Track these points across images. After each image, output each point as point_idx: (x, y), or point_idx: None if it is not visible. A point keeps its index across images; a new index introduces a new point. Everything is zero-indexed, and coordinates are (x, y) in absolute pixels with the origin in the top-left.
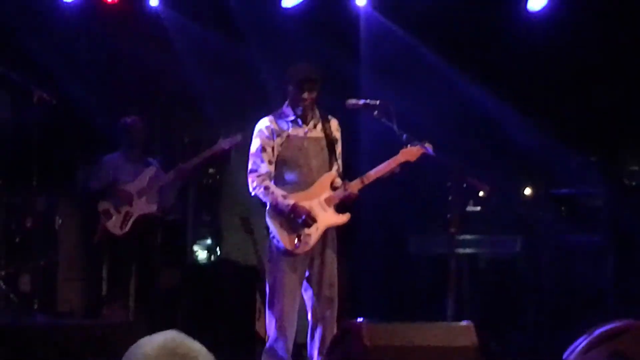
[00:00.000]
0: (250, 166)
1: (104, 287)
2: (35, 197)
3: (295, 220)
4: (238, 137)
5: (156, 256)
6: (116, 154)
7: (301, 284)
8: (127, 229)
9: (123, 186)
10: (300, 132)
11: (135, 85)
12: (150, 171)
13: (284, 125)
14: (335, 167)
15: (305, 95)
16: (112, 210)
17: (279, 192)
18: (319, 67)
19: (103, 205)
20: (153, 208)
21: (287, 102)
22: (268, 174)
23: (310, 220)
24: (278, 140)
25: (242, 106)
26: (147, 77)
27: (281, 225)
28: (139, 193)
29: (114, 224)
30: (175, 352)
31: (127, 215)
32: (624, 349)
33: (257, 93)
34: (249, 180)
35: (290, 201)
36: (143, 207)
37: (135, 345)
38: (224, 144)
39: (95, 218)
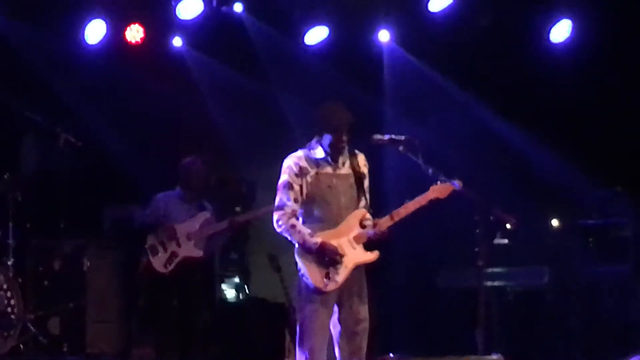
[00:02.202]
0: (276, 202)
1: (134, 328)
2: (62, 240)
3: (324, 258)
4: None
5: (197, 299)
6: (172, 192)
7: (330, 320)
8: (171, 267)
9: (172, 224)
10: (329, 169)
11: (161, 126)
12: (203, 216)
13: (314, 162)
14: (362, 203)
15: (343, 139)
16: (158, 247)
17: (305, 230)
18: (347, 105)
19: (150, 241)
20: (199, 253)
21: (316, 139)
22: (294, 211)
23: (338, 258)
24: (308, 178)
25: (265, 144)
26: (172, 117)
27: (310, 263)
28: (188, 236)
29: (159, 261)
30: None
31: (173, 255)
32: None
33: (282, 129)
34: (275, 216)
35: (318, 239)
36: (190, 250)
37: None
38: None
39: (137, 253)
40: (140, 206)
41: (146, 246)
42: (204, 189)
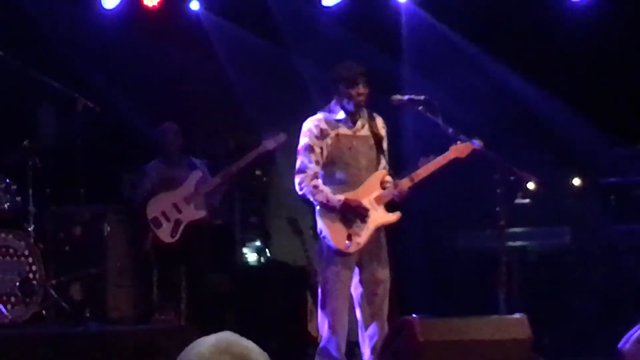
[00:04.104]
0: (297, 165)
1: (155, 293)
2: (82, 205)
3: (348, 216)
4: (282, 137)
5: (205, 261)
6: (157, 161)
7: (351, 282)
8: (177, 236)
9: (167, 194)
10: (349, 131)
11: (179, 91)
12: (196, 175)
13: (334, 124)
14: (382, 165)
15: (361, 89)
16: (161, 219)
17: (327, 189)
18: (365, 65)
19: (151, 213)
20: (202, 213)
21: (335, 101)
22: (316, 174)
23: (363, 212)
24: (328, 140)
25: (285, 107)
26: (190, 81)
27: (332, 224)
28: (187, 199)
29: (164, 232)
30: (228, 350)
31: (178, 223)
32: None
33: (300, 93)
34: (296, 179)
35: (341, 197)
36: (192, 213)
37: (189, 346)
38: (268, 144)
39: (143, 227)
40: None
41: (149, 219)
42: (186, 150)
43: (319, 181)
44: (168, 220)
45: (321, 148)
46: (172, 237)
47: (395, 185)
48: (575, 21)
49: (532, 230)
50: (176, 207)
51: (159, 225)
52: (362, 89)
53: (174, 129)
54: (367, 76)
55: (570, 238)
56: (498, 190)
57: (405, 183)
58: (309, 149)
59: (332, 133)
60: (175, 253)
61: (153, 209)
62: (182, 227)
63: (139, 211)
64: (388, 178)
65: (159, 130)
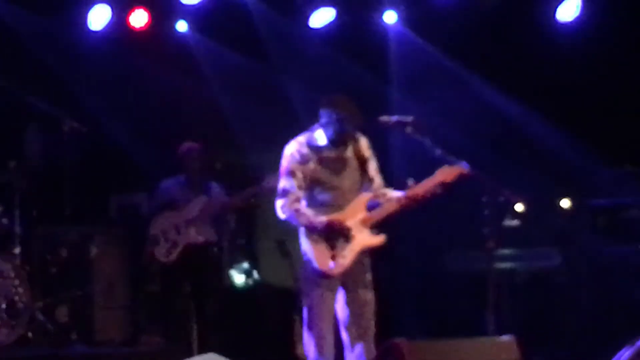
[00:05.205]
0: (279, 189)
1: (142, 316)
2: (69, 227)
3: (332, 238)
4: None
5: (208, 286)
6: (174, 179)
7: (335, 304)
8: (173, 257)
9: (171, 213)
10: (332, 153)
11: (166, 111)
12: (200, 201)
13: (316, 148)
14: (377, 183)
15: (346, 136)
16: (160, 237)
17: (310, 212)
18: (352, 93)
19: (153, 230)
20: (200, 239)
21: (319, 124)
22: (297, 198)
23: (346, 231)
24: (310, 165)
25: (271, 128)
26: (177, 102)
27: (316, 246)
28: (187, 222)
29: (160, 251)
30: None
31: (174, 244)
32: None
33: (287, 114)
34: (278, 203)
35: (323, 218)
36: (190, 237)
37: None
38: (270, 183)
39: (143, 242)
40: (147, 193)
41: (150, 235)
42: (205, 172)
43: (301, 204)
44: (166, 240)
45: (303, 172)
46: (167, 257)
47: (382, 208)
48: (563, 42)
49: (521, 252)
50: (176, 228)
51: (157, 243)
52: (349, 130)
53: (197, 149)
54: (357, 118)
55: (559, 259)
56: (486, 212)
57: (391, 206)
58: (291, 173)
59: (315, 156)
60: (171, 274)
61: (156, 226)
62: (178, 249)
63: (142, 227)
64: (379, 194)
65: (183, 149)
